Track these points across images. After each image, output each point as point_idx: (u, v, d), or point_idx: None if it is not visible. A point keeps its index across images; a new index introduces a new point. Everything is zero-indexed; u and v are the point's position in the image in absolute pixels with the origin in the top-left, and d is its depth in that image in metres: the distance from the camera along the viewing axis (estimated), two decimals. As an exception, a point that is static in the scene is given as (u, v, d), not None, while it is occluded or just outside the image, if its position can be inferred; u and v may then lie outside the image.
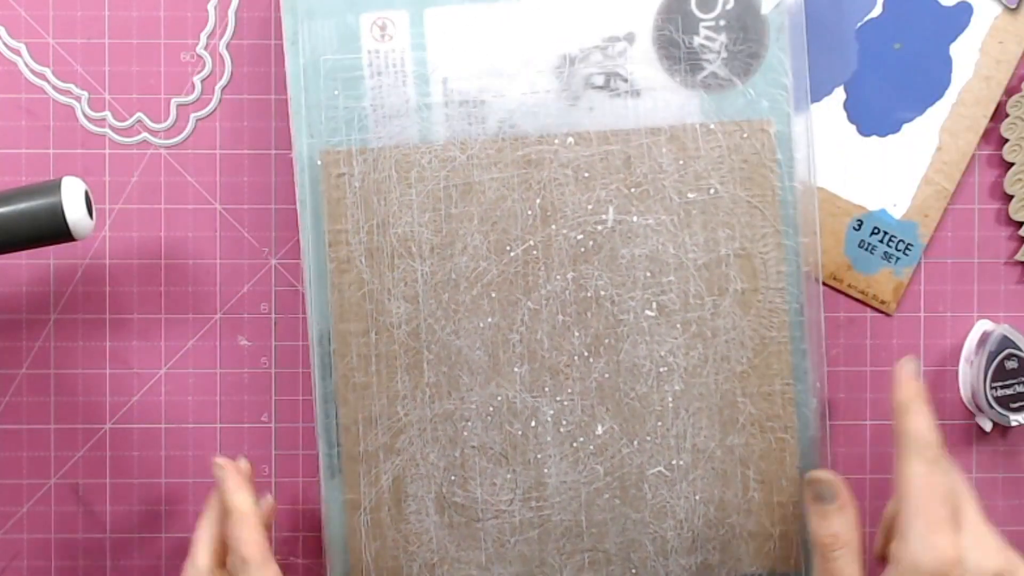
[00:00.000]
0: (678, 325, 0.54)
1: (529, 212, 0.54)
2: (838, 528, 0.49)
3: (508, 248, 0.54)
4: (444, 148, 0.54)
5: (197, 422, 0.58)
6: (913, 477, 0.47)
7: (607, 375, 0.55)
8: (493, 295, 0.54)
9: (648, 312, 0.54)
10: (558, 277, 0.54)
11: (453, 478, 0.55)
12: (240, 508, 0.49)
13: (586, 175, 0.54)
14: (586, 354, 0.55)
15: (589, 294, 0.54)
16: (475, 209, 0.54)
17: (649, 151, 0.54)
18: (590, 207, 0.54)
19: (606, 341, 0.55)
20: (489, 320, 0.54)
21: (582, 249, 0.54)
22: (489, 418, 0.55)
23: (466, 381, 0.55)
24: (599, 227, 0.54)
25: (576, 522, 0.55)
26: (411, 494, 0.55)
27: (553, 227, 0.54)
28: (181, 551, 0.58)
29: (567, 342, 0.55)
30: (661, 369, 0.55)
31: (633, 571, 0.55)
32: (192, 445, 0.58)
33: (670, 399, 0.55)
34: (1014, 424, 0.57)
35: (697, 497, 0.55)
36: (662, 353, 0.55)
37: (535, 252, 0.54)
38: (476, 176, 0.54)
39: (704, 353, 0.55)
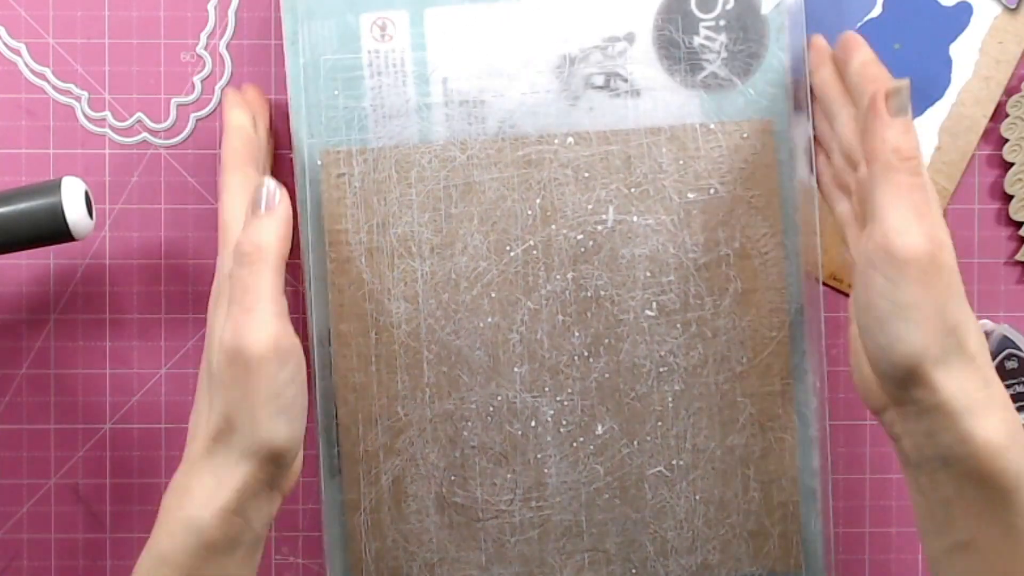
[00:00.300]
0: (678, 325, 0.54)
1: (529, 212, 0.54)
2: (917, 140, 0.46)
3: (508, 248, 0.54)
4: (444, 148, 0.54)
5: (197, 422, 0.58)
6: (887, 141, 0.45)
7: (607, 375, 0.55)
8: (493, 295, 0.54)
9: (648, 312, 0.54)
10: (558, 277, 0.54)
11: (453, 478, 0.55)
12: (228, 122, 0.52)
13: (586, 175, 0.54)
14: (586, 354, 0.55)
15: (589, 294, 0.54)
16: (475, 209, 0.54)
17: (649, 151, 0.54)
18: (590, 207, 0.54)
19: (606, 341, 0.54)
20: (489, 320, 0.54)
21: (582, 249, 0.54)
22: (489, 418, 0.55)
23: (466, 381, 0.55)
24: (599, 227, 0.54)
25: (576, 522, 0.55)
26: (411, 494, 0.55)
27: (553, 227, 0.54)
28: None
29: (567, 342, 0.54)
30: (661, 369, 0.55)
31: (633, 571, 0.55)
32: (192, 445, 0.58)
33: (670, 399, 0.55)
34: (1014, 424, 0.56)
35: (697, 497, 0.55)
36: (662, 353, 0.55)
37: (535, 252, 0.54)
38: (476, 176, 0.54)
39: (704, 353, 0.55)
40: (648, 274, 0.54)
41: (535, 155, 0.54)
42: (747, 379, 0.55)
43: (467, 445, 0.55)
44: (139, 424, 0.58)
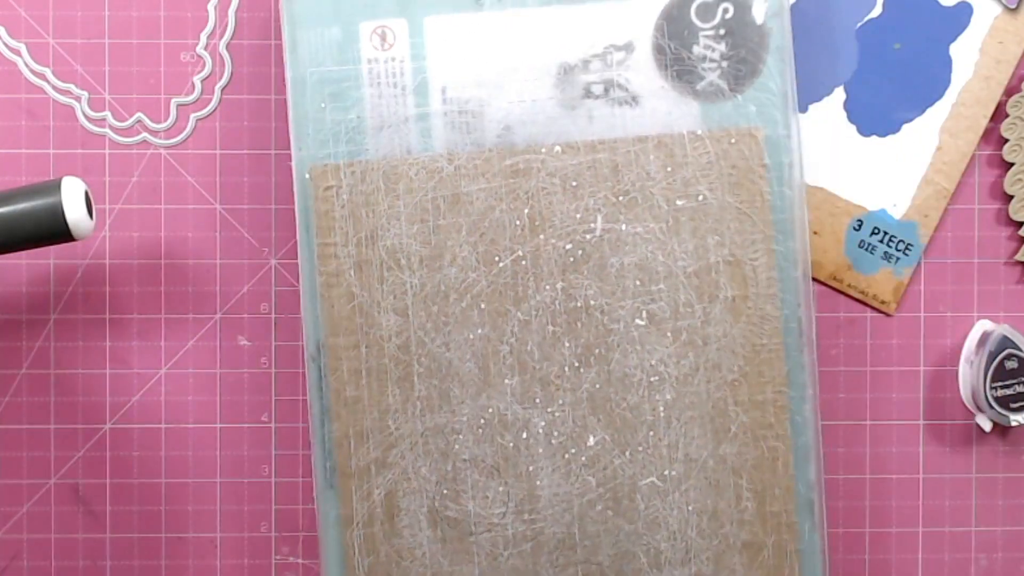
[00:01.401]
0: (668, 334, 0.54)
1: (517, 222, 0.54)
2: None
3: (497, 259, 0.54)
4: (432, 159, 0.54)
5: (197, 422, 0.58)
6: None
7: (598, 385, 0.54)
8: (483, 306, 0.54)
9: (638, 321, 0.54)
10: (547, 287, 0.54)
11: (445, 492, 0.55)
12: None
13: (574, 184, 0.54)
14: (576, 364, 0.54)
15: (579, 304, 0.54)
16: (463, 220, 0.54)
17: (637, 159, 0.54)
18: (578, 216, 0.54)
19: (596, 351, 0.54)
20: (479, 331, 0.54)
21: (571, 259, 0.54)
22: (480, 430, 0.54)
23: (457, 393, 0.54)
24: (587, 236, 0.54)
25: (569, 534, 0.55)
26: (403, 508, 0.55)
27: (541, 237, 0.54)
28: (181, 551, 0.58)
29: (557, 352, 0.54)
30: (652, 378, 0.54)
31: None
32: (192, 445, 0.58)
33: (661, 408, 0.54)
34: (1014, 424, 0.57)
35: (690, 507, 0.55)
36: (653, 362, 0.54)
37: (524, 262, 0.54)
38: (464, 187, 0.54)
39: (695, 361, 0.54)
40: (638, 282, 0.54)
41: (523, 164, 0.54)
42: (739, 387, 0.54)
43: (459, 458, 0.55)
44: (139, 424, 0.58)
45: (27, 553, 0.58)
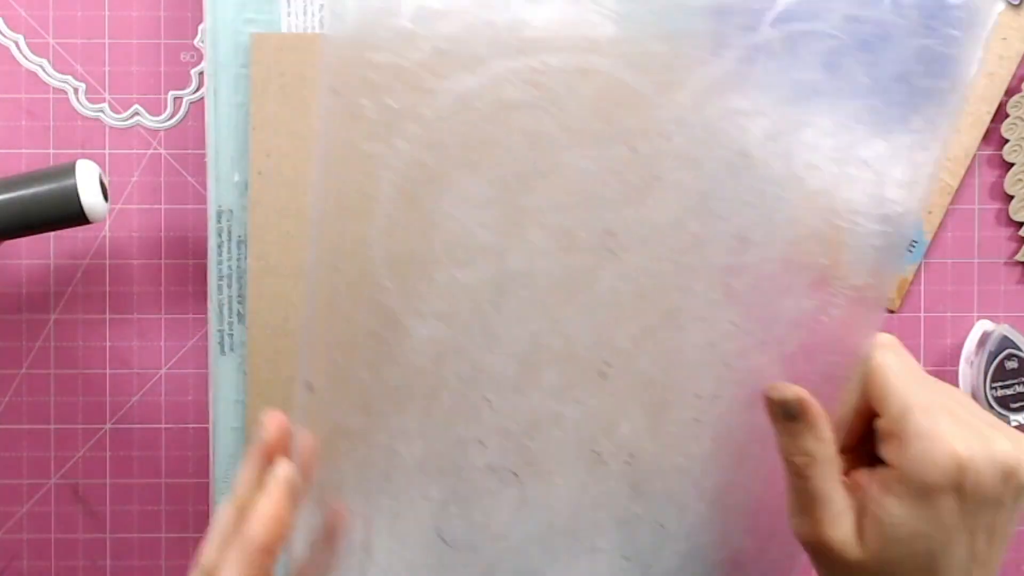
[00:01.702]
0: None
1: (618, 187, 0.37)
2: (811, 446, 0.41)
3: (579, 239, 0.38)
4: (497, 84, 0.34)
5: (197, 422, 0.58)
6: (890, 367, 0.40)
7: (650, 369, 0.40)
8: (546, 300, 0.39)
9: (712, 295, 0.39)
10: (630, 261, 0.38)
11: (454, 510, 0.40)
12: (254, 536, 0.36)
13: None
14: (630, 347, 0.39)
15: (653, 282, 0.38)
16: (545, 198, 0.36)
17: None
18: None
19: (658, 332, 0.39)
20: (532, 327, 0.39)
21: (665, 229, 0.37)
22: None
23: (491, 400, 0.40)
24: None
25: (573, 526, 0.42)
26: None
27: (635, 209, 0.37)
28: (181, 551, 0.58)
29: (609, 335, 0.39)
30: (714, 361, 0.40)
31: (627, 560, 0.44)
32: (192, 445, 0.58)
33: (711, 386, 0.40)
34: (1014, 424, 0.56)
35: (707, 484, 0.43)
36: (715, 338, 0.39)
37: (609, 240, 0.38)
38: (548, 127, 0.35)
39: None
40: (729, 253, 0.38)
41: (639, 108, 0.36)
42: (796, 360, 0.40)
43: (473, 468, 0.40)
44: (139, 424, 0.58)
45: (27, 553, 0.58)
